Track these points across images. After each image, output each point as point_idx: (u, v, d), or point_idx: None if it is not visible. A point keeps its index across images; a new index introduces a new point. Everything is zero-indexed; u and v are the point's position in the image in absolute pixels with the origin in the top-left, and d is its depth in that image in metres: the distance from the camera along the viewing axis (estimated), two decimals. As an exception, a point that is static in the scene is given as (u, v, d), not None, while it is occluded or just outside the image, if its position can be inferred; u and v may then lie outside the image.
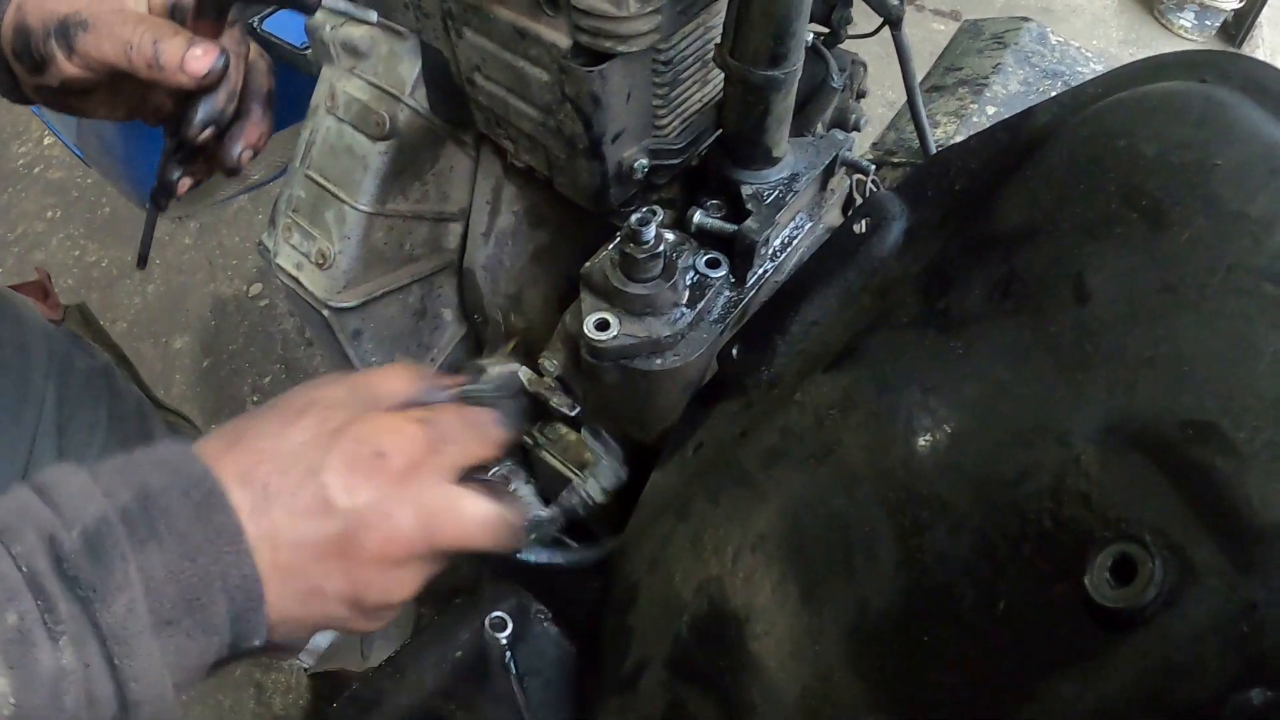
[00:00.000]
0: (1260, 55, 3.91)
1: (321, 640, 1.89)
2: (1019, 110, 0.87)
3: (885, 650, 0.71)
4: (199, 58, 0.95)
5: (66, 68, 0.96)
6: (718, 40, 0.95)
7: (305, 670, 2.04)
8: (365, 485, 0.72)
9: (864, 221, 0.91)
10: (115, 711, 0.63)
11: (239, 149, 1.06)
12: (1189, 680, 0.57)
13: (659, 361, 0.98)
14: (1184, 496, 0.60)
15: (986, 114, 1.59)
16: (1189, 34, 3.92)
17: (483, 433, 0.81)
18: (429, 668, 1.03)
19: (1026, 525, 0.65)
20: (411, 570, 0.76)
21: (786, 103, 0.96)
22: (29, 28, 0.96)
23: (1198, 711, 0.56)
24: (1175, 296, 0.66)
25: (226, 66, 0.98)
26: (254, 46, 1.07)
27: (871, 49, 1.22)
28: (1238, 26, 3.90)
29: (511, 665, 0.93)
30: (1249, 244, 0.64)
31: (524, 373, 1.14)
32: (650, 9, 0.86)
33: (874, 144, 1.62)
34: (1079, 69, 1.71)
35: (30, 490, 0.67)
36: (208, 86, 0.98)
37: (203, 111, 1.01)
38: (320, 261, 1.24)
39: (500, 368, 0.90)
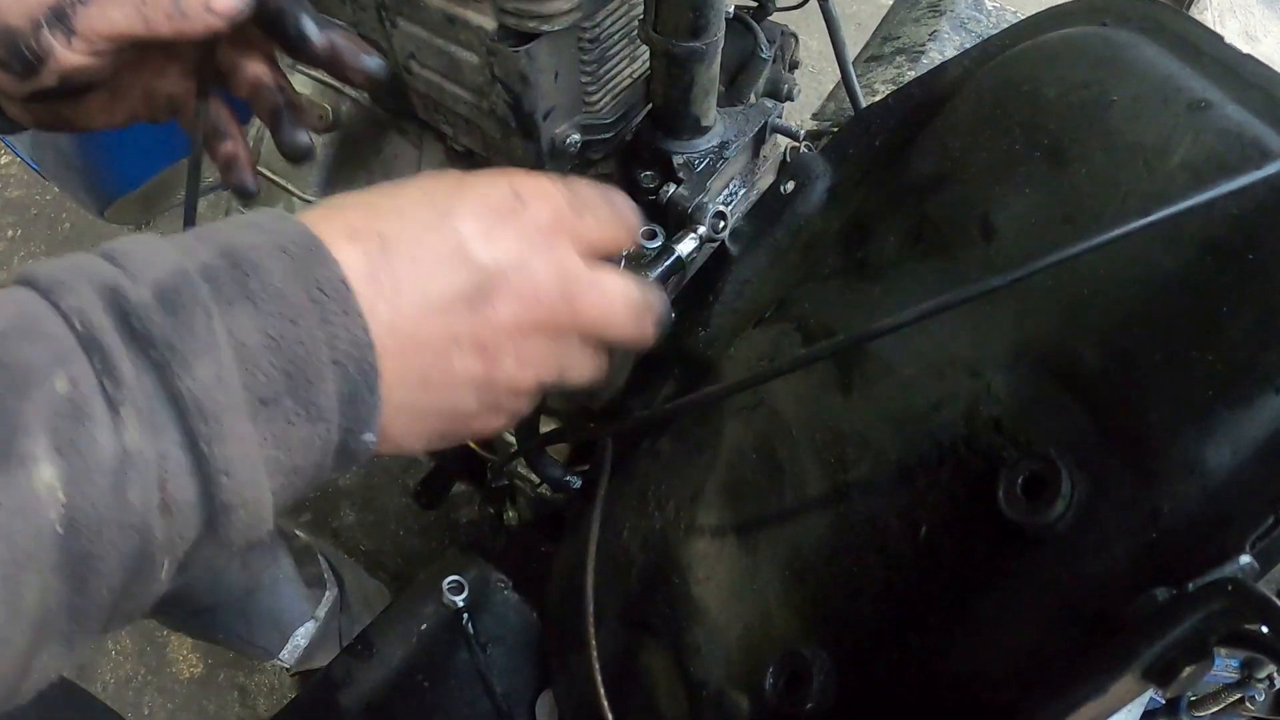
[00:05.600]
0: (1208, 18, 3.93)
1: (302, 639, 1.91)
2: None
3: (817, 583, 0.73)
4: None
5: (67, 57, 0.82)
6: (641, 16, 0.97)
7: (287, 670, 2.06)
8: (504, 233, 0.64)
9: (790, 182, 0.94)
10: (200, 517, 0.52)
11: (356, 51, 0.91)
12: (1100, 588, 0.60)
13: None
14: (1088, 413, 0.63)
15: (924, 81, 1.62)
16: (1136, -1, 3.94)
17: (621, 213, 0.73)
18: (396, 642, 1.05)
19: (942, 453, 0.68)
20: (546, 347, 0.67)
21: (711, 73, 0.98)
22: (13, 29, 0.81)
23: (1108, 617, 0.59)
24: (1075, 227, 0.69)
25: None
26: None
27: (823, 26, 1.25)
28: (1184, -10, 3.93)
29: (469, 627, 0.95)
30: (1143, 172, 0.67)
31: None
32: (571, -12, 0.88)
33: (814, 114, 1.64)
34: (1015, 34, 1.73)
35: (89, 253, 0.55)
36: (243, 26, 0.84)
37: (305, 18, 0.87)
38: (271, 256, 1.26)
39: None
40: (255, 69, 0.93)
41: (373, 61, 0.91)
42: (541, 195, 0.67)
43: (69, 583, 0.47)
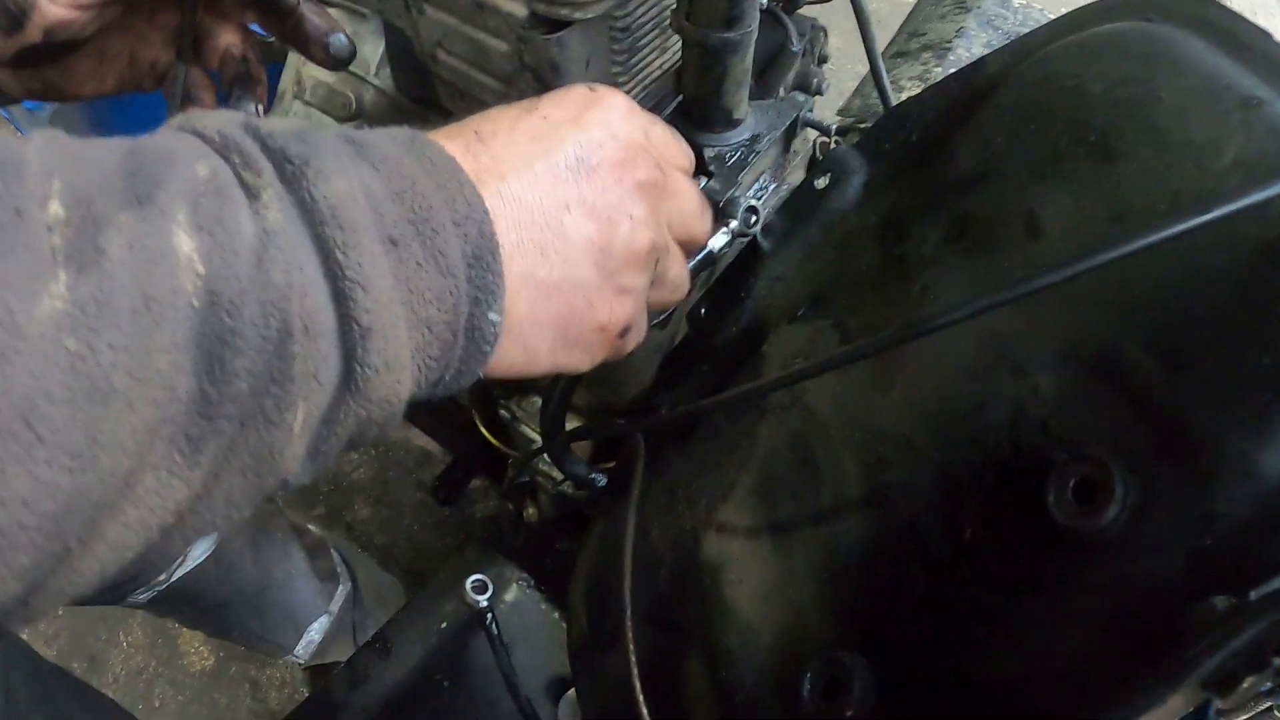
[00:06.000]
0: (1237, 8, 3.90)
1: (316, 634, 1.90)
2: (975, 65, 0.88)
3: (856, 587, 0.72)
4: None
5: (50, 10, 0.82)
6: (674, 6, 0.96)
7: (300, 665, 2.05)
8: (589, 115, 0.68)
9: (824, 177, 0.92)
10: (337, 349, 0.50)
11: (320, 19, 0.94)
12: (1153, 594, 0.58)
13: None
14: (1140, 415, 0.61)
15: (951, 78, 1.60)
16: (1158, -2, 3.91)
17: (676, 133, 0.78)
18: (415, 641, 1.04)
19: (987, 455, 0.67)
20: (651, 211, 0.70)
21: (744, 64, 0.97)
22: None
23: (1162, 625, 0.57)
24: (1124, 226, 0.67)
25: None
26: None
27: (842, 24, 1.23)
28: (1207, -11, 3.90)
29: (493, 626, 0.94)
30: (1193, 169, 0.66)
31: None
32: (604, -25, 0.87)
33: (839, 110, 1.63)
34: (1041, 31, 1.72)
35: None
36: None
37: None
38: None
39: None
40: (228, 38, 0.96)
41: (337, 39, 0.94)
42: (614, 91, 0.72)
43: (202, 363, 0.45)
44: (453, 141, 0.62)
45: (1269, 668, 0.51)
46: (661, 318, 0.93)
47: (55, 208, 0.42)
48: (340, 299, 0.50)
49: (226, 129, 0.51)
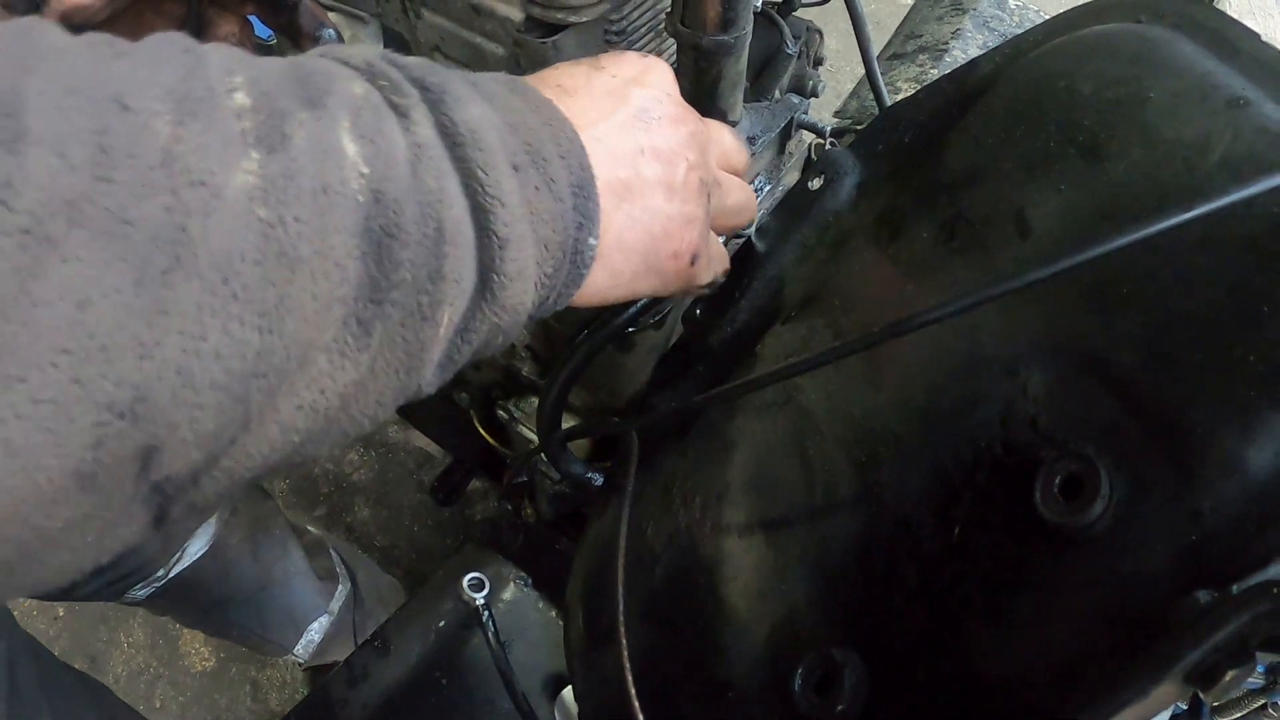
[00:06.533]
0: (1231, 13, 3.90)
1: (316, 634, 1.90)
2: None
3: (848, 583, 0.72)
4: None
5: None
6: (668, 9, 0.97)
7: (300, 666, 2.06)
8: (646, 73, 0.76)
9: (817, 178, 0.93)
10: (475, 260, 0.55)
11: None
12: (1140, 589, 0.59)
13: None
14: (1127, 412, 0.62)
15: (947, 80, 1.60)
16: None
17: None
18: (414, 639, 1.04)
19: (978, 453, 0.67)
20: (702, 156, 0.78)
21: (738, 66, 0.97)
22: None
23: (1149, 619, 0.58)
24: (1113, 225, 0.68)
25: None
26: None
27: (840, 26, 1.24)
28: (1203, -9, 3.91)
29: (490, 624, 0.95)
30: (1182, 169, 0.66)
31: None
32: (599, -22, 0.87)
33: (836, 112, 1.64)
34: (1038, 33, 1.72)
35: None
36: None
37: None
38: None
39: None
40: (227, 28, 0.99)
41: (327, 34, 0.97)
42: (658, 59, 0.79)
43: (370, 252, 0.49)
44: (541, 89, 0.68)
45: (1251, 661, 0.51)
46: (656, 319, 0.94)
47: (241, 98, 0.46)
48: (479, 213, 0.55)
49: (370, 59, 0.56)
